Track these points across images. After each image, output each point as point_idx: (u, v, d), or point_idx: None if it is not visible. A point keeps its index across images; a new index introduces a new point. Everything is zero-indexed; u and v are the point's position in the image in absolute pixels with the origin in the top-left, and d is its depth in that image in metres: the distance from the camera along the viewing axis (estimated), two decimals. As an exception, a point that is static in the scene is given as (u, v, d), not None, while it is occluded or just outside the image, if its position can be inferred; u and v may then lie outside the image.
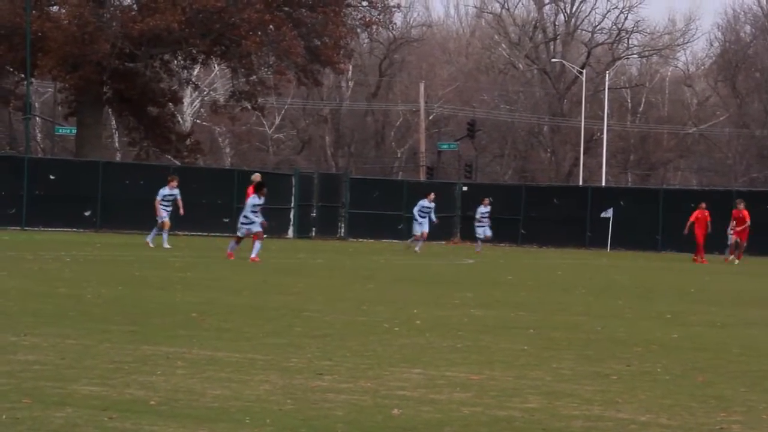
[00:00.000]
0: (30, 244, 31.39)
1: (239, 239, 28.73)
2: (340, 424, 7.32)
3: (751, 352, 12.01)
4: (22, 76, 56.84)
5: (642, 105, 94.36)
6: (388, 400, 8.27)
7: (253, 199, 28.55)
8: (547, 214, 54.97)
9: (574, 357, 11.09)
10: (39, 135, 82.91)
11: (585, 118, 75.75)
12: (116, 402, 7.90)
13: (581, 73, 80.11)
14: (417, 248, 38.73)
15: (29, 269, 21.82)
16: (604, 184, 72.71)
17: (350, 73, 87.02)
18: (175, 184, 34.45)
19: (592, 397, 8.69)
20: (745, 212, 40.15)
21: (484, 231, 42.08)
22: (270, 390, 8.57)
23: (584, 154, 78.21)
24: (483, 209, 42.37)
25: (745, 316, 17.00)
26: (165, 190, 34.21)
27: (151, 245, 33.34)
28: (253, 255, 27.49)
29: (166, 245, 33.10)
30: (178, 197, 34.05)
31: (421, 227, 39.22)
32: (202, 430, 7.02)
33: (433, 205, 39.99)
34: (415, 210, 39.71)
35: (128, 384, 8.66)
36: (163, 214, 33.94)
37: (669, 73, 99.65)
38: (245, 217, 28.47)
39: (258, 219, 28.24)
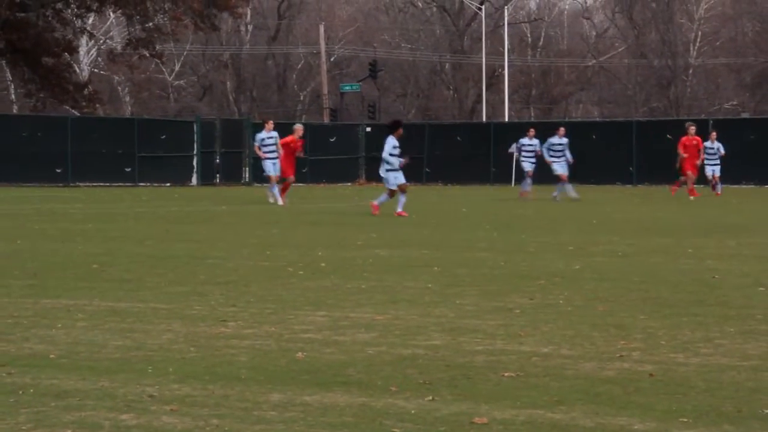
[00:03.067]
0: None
1: (392, 192, 25.49)
2: (243, 370, 7.29)
3: (651, 280, 12.18)
4: None
5: (542, 39, 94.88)
6: (292, 344, 8.25)
7: (392, 141, 25.20)
8: (451, 151, 55.21)
9: (478, 293, 11.16)
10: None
11: (486, 54, 75.96)
12: (15, 357, 7.77)
13: (480, 9, 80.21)
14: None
15: (-74, 227, 21.38)
16: (507, 119, 73.14)
17: (249, 17, 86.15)
18: (271, 125, 31.78)
19: (495, 332, 8.75)
20: (698, 138, 36.17)
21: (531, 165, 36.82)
22: (173, 339, 8.50)
23: (486, 90, 78.51)
24: (528, 141, 36.97)
25: (646, 245, 17.24)
26: (262, 134, 31.62)
27: (270, 201, 31.16)
28: (399, 209, 25.00)
29: (279, 201, 30.68)
30: (278, 141, 31.37)
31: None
32: (103, 381, 6.94)
33: (565, 141, 35.84)
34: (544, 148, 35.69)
35: (27, 338, 8.52)
36: (268, 167, 31.36)
37: (567, 6, 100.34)
38: (389, 164, 25.26)
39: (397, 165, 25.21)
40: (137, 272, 13.11)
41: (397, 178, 25.27)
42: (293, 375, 7.14)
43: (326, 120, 73.86)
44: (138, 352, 7.97)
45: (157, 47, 61.80)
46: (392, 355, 7.82)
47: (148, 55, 62.19)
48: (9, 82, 78.47)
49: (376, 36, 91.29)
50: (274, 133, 31.41)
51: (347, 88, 79.44)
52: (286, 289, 11.54)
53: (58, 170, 48.65)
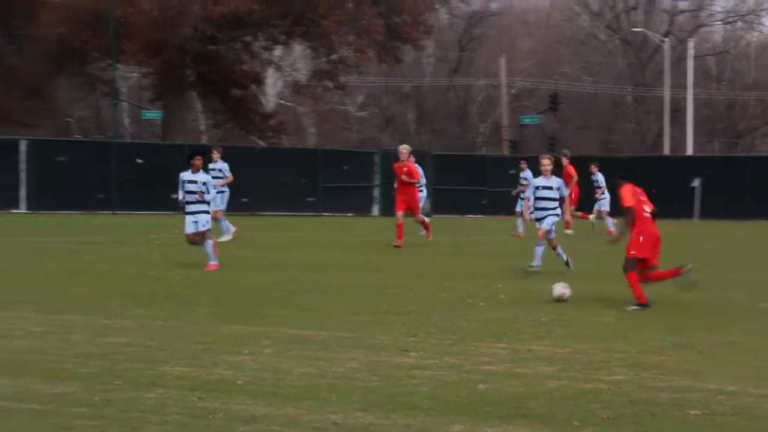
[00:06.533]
0: (120, 228, 31.81)
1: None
2: (425, 400, 7.36)
3: (842, 320, 11.83)
4: (108, 61, 57.58)
5: (727, 72, 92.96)
6: (473, 375, 8.29)
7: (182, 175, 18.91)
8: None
9: (661, 329, 11.01)
10: (126, 120, 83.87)
11: (669, 87, 74.81)
12: (205, 382, 8.01)
13: (663, 41, 79.09)
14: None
15: (120, 252, 22.12)
16: (690, 153, 71.84)
17: (431, 49, 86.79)
18: (217, 155, 26.55)
19: (678, 368, 8.64)
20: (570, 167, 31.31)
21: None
22: (356, 367, 8.64)
23: (669, 124, 77.28)
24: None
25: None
26: (210, 165, 25.46)
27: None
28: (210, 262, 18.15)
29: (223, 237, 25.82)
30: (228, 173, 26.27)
31: None
32: (288, 408, 7.10)
33: None
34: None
35: (216, 364, 8.77)
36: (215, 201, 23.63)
37: (754, 39, 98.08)
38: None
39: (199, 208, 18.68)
40: (321, 300, 13.34)
41: (186, 223, 18.51)
42: (475, 406, 7.18)
43: (506, 152, 73.77)
44: (322, 380, 8.12)
45: (341, 79, 62.84)
46: (574, 389, 7.79)
47: (332, 86, 63.29)
48: (199, 113, 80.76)
49: (556, 68, 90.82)
50: (221, 165, 26.55)
51: (527, 120, 79.16)
52: (466, 320, 11.59)
53: (244, 200, 49.76)
